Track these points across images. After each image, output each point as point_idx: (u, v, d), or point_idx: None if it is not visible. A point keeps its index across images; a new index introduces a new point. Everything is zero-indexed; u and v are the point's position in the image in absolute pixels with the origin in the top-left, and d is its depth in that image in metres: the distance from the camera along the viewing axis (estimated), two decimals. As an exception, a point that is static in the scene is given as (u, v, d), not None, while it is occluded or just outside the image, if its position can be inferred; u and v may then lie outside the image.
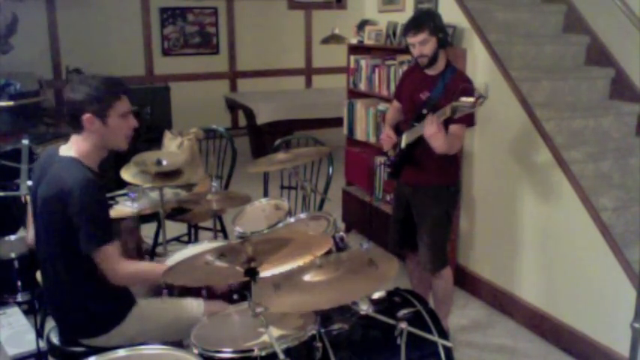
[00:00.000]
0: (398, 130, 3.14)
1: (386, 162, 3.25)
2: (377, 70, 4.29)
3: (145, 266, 2.29)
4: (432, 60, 2.90)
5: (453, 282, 3.25)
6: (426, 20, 2.87)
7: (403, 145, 3.01)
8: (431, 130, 2.71)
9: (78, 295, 2.17)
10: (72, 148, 2.17)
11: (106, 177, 2.26)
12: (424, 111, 2.88)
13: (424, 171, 2.98)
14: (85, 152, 2.16)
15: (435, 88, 2.92)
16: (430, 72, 2.96)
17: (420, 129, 2.83)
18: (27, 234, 2.45)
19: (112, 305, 2.20)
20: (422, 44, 2.86)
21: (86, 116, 2.10)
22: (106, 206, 2.22)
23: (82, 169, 2.10)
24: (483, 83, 2.64)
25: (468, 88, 2.77)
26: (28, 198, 2.93)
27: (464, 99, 2.58)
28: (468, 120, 2.87)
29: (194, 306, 2.28)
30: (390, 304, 2.29)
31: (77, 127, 2.14)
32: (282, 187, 3.77)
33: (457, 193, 3.13)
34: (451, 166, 3.05)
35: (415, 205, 3.08)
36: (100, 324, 2.19)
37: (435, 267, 3.08)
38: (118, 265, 2.11)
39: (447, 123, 2.79)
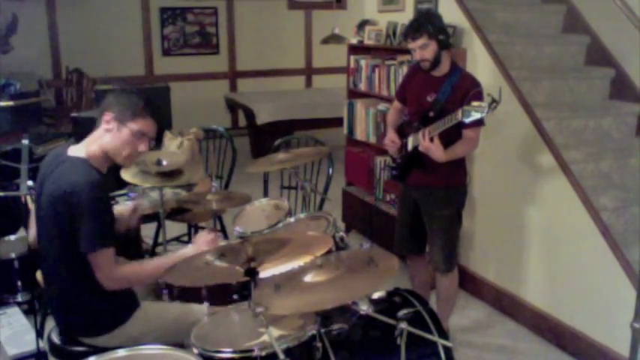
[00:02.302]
0: (400, 131, 3.14)
1: (390, 164, 3.24)
2: (377, 70, 4.29)
3: (135, 268, 2.24)
4: (435, 63, 2.89)
5: (458, 283, 3.24)
6: (423, 24, 2.85)
7: (410, 147, 3.01)
8: (423, 145, 2.79)
9: (81, 295, 2.16)
10: (82, 149, 2.18)
11: (106, 177, 2.26)
12: (431, 113, 2.88)
13: (434, 172, 2.96)
14: (94, 154, 2.18)
15: (442, 89, 2.90)
16: (435, 73, 2.94)
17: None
18: (29, 233, 2.44)
19: (115, 305, 2.20)
20: (422, 49, 2.85)
21: (107, 114, 2.17)
22: (110, 209, 2.22)
23: (90, 170, 2.11)
24: (495, 88, 2.64)
25: (479, 93, 2.77)
26: (29, 198, 2.94)
27: (475, 103, 2.58)
28: (480, 121, 2.85)
29: (198, 309, 2.28)
30: (390, 304, 2.29)
31: (97, 121, 2.20)
32: (282, 187, 3.77)
33: (466, 193, 3.13)
34: (459, 166, 3.04)
35: (425, 207, 3.07)
36: (103, 323, 2.19)
37: (447, 267, 3.08)
38: (111, 269, 2.11)
39: (459, 127, 2.79)
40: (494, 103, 2.54)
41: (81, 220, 2.04)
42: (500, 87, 2.66)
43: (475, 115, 2.58)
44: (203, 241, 2.31)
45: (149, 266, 2.22)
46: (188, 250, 2.28)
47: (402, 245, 3.24)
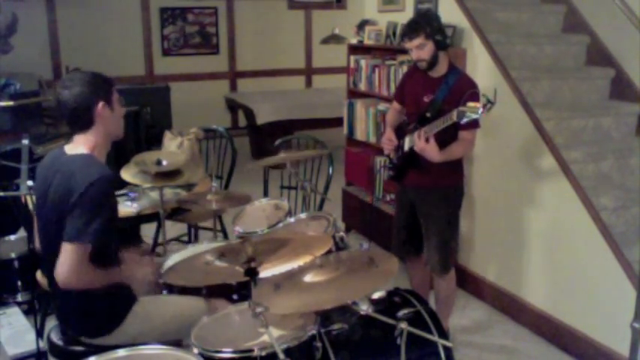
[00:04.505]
0: (399, 131, 3.14)
1: (387, 164, 3.25)
2: (377, 70, 4.29)
3: (99, 279, 2.11)
4: (432, 63, 2.89)
5: (456, 283, 3.24)
6: (421, 24, 2.85)
7: (407, 148, 3.01)
8: (419, 145, 2.78)
9: (81, 295, 2.15)
10: (80, 145, 2.16)
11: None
12: (427, 114, 2.88)
13: (429, 173, 2.96)
14: (95, 147, 2.16)
15: (439, 90, 2.90)
16: (433, 74, 2.94)
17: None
18: (36, 240, 2.40)
19: (114, 304, 2.20)
20: (419, 49, 2.85)
21: (100, 105, 2.12)
22: (115, 207, 2.21)
23: (101, 164, 2.12)
24: (492, 88, 2.64)
25: (476, 94, 2.77)
26: (29, 198, 2.93)
27: (471, 104, 2.58)
28: (475, 123, 2.83)
29: (195, 304, 2.28)
30: (390, 304, 2.29)
31: (87, 122, 2.14)
32: (282, 187, 3.77)
33: (462, 194, 3.13)
34: (456, 167, 3.04)
35: (421, 208, 3.06)
36: (104, 324, 2.18)
37: (443, 268, 3.07)
38: (78, 267, 2.00)
39: (455, 128, 2.79)
40: (489, 104, 2.54)
41: (77, 209, 1.99)
42: (495, 88, 2.66)
43: (470, 116, 2.58)
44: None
45: (109, 277, 2.13)
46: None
47: (400, 247, 3.23)
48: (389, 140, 3.11)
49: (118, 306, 2.21)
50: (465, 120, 2.60)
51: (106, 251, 2.13)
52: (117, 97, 2.22)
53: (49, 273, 2.30)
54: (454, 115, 2.63)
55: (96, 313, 2.18)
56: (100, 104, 2.13)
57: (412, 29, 2.85)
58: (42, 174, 2.22)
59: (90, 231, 2.00)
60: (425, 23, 2.86)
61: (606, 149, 3.42)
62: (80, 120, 2.14)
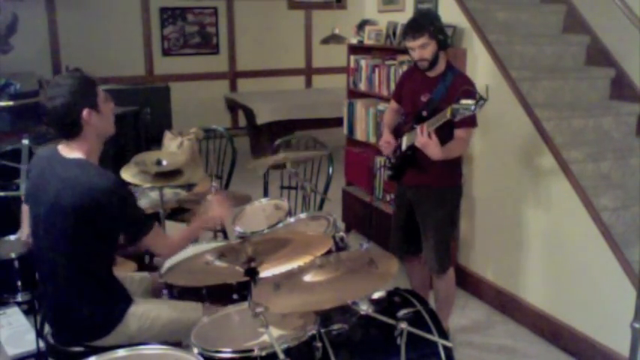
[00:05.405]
0: (397, 131, 3.14)
1: (386, 164, 3.24)
2: (377, 70, 4.29)
3: (182, 232, 2.46)
4: (433, 63, 2.89)
5: (455, 283, 3.24)
6: (424, 23, 2.84)
7: (404, 147, 3.01)
8: (421, 140, 2.75)
9: (76, 298, 2.15)
10: (77, 150, 2.15)
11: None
12: (424, 113, 2.88)
13: (427, 172, 2.96)
14: (89, 152, 2.16)
15: (436, 89, 2.90)
16: (431, 74, 2.94)
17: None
18: (23, 232, 2.43)
19: (110, 306, 2.20)
20: (422, 48, 2.84)
21: (85, 112, 2.10)
22: (133, 195, 2.36)
23: (105, 171, 2.13)
24: (484, 85, 2.64)
25: (469, 91, 2.77)
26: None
27: (464, 101, 2.57)
28: (471, 121, 2.84)
29: (192, 308, 2.27)
30: (390, 304, 2.29)
31: (75, 129, 2.12)
32: (282, 187, 3.77)
33: (460, 194, 3.13)
34: (454, 166, 3.04)
35: (419, 207, 3.06)
36: (99, 327, 2.17)
37: (441, 268, 3.07)
38: (165, 240, 2.32)
39: (451, 127, 2.79)
40: (481, 100, 2.53)
41: (122, 218, 2.14)
42: (487, 85, 2.65)
43: (463, 113, 2.57)
44: (216, 203, 2.53)
45: (185, 231, 2.47)
46: (207, 216, 2.54)
47: (398, 247, 3.23)
48: (387, 142, 3.10)
49: (115, 308, 2.20)
50: (458, 117, 2.60)
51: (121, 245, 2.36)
52: (102, 97, 2.19)
53: (41, 273, 2.29)
54: (447, 113, 2.62)
55: (92, 315, 2.16)
56: (85, 111, 2.10)
57: (416, 29, 2.84)
58: (36, 173, 2.21)
59: (145, 218, 2.25)
60: (428, 22, 2.85)
61: (606, 149, 3.42)
62: (69, 129, 2.13)
